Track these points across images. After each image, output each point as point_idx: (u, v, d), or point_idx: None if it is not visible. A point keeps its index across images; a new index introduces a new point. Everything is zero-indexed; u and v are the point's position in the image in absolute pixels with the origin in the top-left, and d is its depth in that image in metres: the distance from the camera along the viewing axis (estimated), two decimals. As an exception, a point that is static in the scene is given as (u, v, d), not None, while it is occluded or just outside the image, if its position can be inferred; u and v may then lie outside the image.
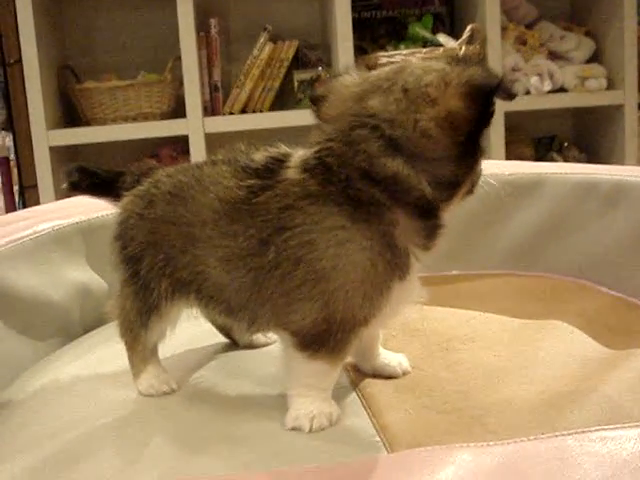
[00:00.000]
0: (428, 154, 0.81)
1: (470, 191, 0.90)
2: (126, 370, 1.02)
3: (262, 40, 2.96)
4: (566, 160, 3.08)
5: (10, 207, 3.35)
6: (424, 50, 2.82)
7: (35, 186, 2.96)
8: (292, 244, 0.82)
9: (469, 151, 0.85)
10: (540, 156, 3.18)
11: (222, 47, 3.04)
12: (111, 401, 0.96)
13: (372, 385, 0.95)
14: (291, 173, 0.86)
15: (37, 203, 2.93)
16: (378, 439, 0.82)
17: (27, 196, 3.07)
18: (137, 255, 0.97)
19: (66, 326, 1.20)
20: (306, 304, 0.83)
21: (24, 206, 3.04)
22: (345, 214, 0.81)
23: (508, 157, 2.93)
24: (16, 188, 3.34)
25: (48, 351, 1.15)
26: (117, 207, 1.01)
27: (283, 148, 0.92)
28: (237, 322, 0.94)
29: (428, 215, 0.84)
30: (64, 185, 1.07)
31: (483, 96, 0.82)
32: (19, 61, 2.88)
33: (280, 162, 0.89)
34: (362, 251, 0.81)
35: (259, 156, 0.91)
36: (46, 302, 1.13)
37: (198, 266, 0.91)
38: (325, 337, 0.84)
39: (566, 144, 3.20)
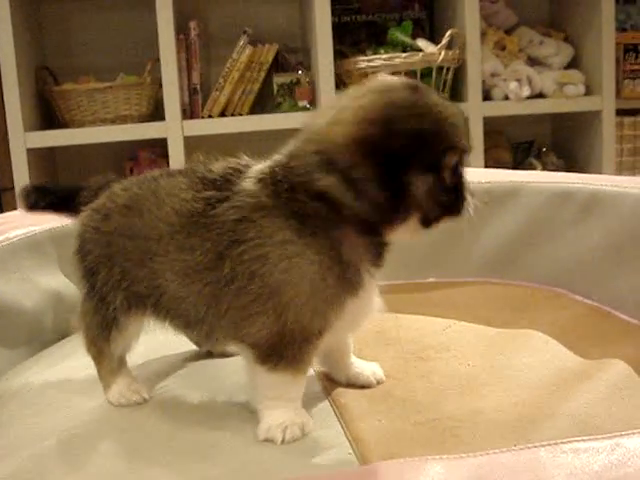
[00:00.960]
0: (355, 174, 0.80)
1: (452, 213, 0.89)
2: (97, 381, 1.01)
3: (242, 43, 2.95)
4: (544, 165, 3.09)
5: (-13, 209, 3.33)
6: (404, 55, 2.82)
7: (12, 189, 2.93)
8: (246, 258, 0.82)
9: (398, 182, 0.81)
10: (519, 161, 3.19)
11: (201, 50, 3.02)
12: (81, 411, 0.95)
13: (345, 395, 0.95)
14: (247, 184, 0.85)
15: (14, 206, 2.90)
16: (350, 451, 0.82)
17: (4, 199, 3.05)
18: (93, 269, 0.97)
19: (39, 333, 1.18)
20: (260, 317, 0.83)
21: (1, 209, 3.02)
22: (293, 228, 0.81)
23: (487, 162, 2.94)
24: (-7, 190, 3.32)
25: (20, 359, 1.14)
26: (75, 221, 1.00)
27: (244, 159, 0.92)
28: (196, 335, 0.94)
29: (372, 233, 0.84)
30: (21, 207, 1.06)
31: (398, 131, 0.80)
32: (-4, 63, 2.85)
33: (239, 173, 0.88)
34: (311, 265, 0.81)
35: (218, 167, 0.91)
36: (18, 309, 1.12)
37: (155, 280, 0.90)
38: (281, 349, 0.84)
39: (544, 149, 3.21)
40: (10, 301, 1.11)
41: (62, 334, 1.24)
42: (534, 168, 3.06)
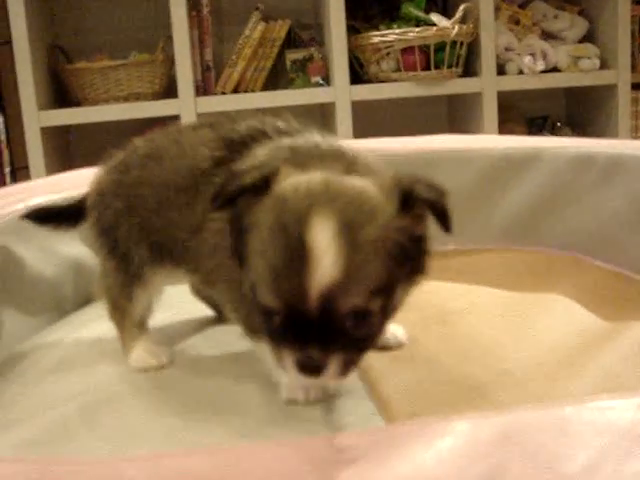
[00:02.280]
0: None
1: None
2: (117, 347, 1.02)
3: (254, 20, 2.94)
4: (559, 140, 3.08)
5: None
6: (417, 29, 2.80)
7: (26, 167, 2.94)
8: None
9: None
10: (533, 136, 3.17)
11: (214, 27, 3.01)
12: (107, 375, 0.96)
13: (369, 357, 0.94)
14: (260, 152, 0.84)
15: (28, 184, 2.91)
16: (374, 411, 0.82)
17: (18, 177, 3.05)
18: (113, 224, 0.97)
19: (59, 302, 1.19)
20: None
21: (15, 187, 3.02)
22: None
23: (501, 137, 2.92)
24: (7, 169, 3.32)
25: (40, 327, 1.14)
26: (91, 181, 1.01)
27: (285, 122, 0.91)
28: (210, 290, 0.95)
29: None
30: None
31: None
32: (9, 41, 2.85)
33: (263, 136, 0.87)
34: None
35: (244, 126, 0.90)
36: (39, 277, 1.12)
37: (171, 230, 0.90)
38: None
39: (559, 124, 3.19)
40: (31, 269, 1.11)
41: (81, 303, 1.24)
42: (549, 143, 3.04)
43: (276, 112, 2.48)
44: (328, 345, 0.71)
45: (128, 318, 0.99)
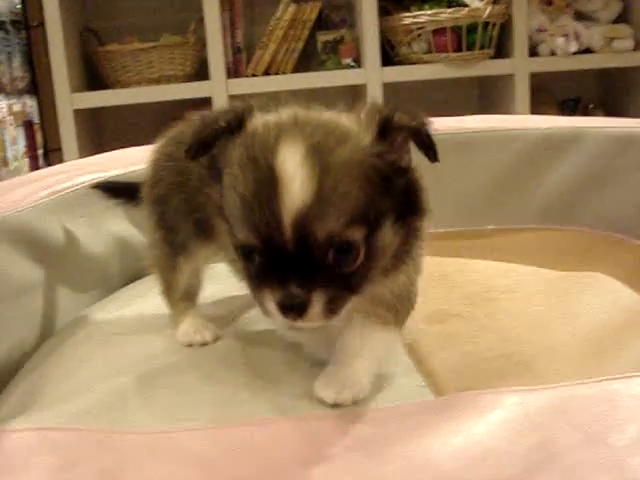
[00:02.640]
0: None
1: None
2: (165, 322, 1.04)
3: (285, 1, 2.94)
4: (592, 122, 3.05)
5: (34, 170, 3.37)
6: (449, 10, 2.79)
7: (59, 149, 2.97)
8: None
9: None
10: (566, 118, 3.15)
11: (245, 9, 3.02)
12: (158, 348, 0.98)
13: (415, 333, 0.96)
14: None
15: (62, 166, 2.95)
16: (423, 384, 0.83)
17: (51, 159, 3.08)
18: (164, 196, 0.98)
19: (105, 278, 1.21)
20: None
21: (49, 169, 3.06)
22: None
23: (533, 119, 2.91)
24: (40, 151, 3.36)
25: (88, 303, 1.17)
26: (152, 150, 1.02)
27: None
28: None
29: None
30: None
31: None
32: (42, 24, 2.87)
33: None
34: None
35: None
36: (86, 254, 1.15)
37: (208, 207, 0.90)
38: None
39: (591, 106, 3.16)
40: (79, 246, 1.13)
41: (127, 280, 1.26)
42: (581, 125, 3.02)
43: (307, 94, 2.49)
44: (309, 281, 0.68)
45: (175, 290, 1.01)
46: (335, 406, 0.78)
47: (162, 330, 1.04)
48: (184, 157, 0.76)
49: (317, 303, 0.68)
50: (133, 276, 1.27)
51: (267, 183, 0.67)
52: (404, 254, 0.78)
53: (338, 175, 0.67)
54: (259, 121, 0.73)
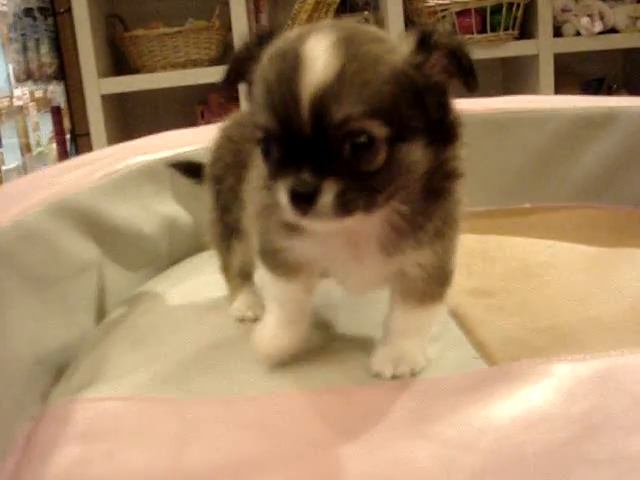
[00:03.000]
0: None
1: None
2: (217, 298, 1.08)
3: (309, -16, 2.95)
4: (616, 102, 3.06)
5: (62, 155, 3.41)
6: (472, -8, 2.80)
7: (87, 134, 3.00)
8: None
9: None
10: (589, 98, 3.16)
11: (269, -8, 3.04)
12: (211, 325, 1.02)
13: (463, 306, 0.99)
14: None
15: (89, 151, 2.98)
16: (476, 355, 0.86)
17: (80, 144, 3.12)
18: (221, 176, 1.02)
19: (155, 258, 1.25)
20: None
21: (77, 154, 3.10)
22: None
23: (557, 99, 2.92)
24: (68, 136, 3.40)
25: (140, 282, 1.20)
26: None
27: None
28: None
29: None
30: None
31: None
32: (69, 11, 2.90)
33: None
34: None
35: None
36: (138, 234, 1.18)
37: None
38: None
39: (615, 86, 3.16)
40: (131, 225, 1.17)
41: (174, 259, 1.30)
42: (605, 105, 3.02)
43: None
44: (322, 169, 0.66)
45: (230, 268, 1.05)
46: (394, 378, 0.81)
47: (213, 307, 1.07)
48: (221, 87, 0.78)
49: (328, 193, 0.65)
50: (180, 255, 1.30)
51: (291, 66, 0.66)
52: (437, 213, 0.77)
53: (364, 64, 0.66)
54: (291, 31, 0.72)
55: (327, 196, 0.65)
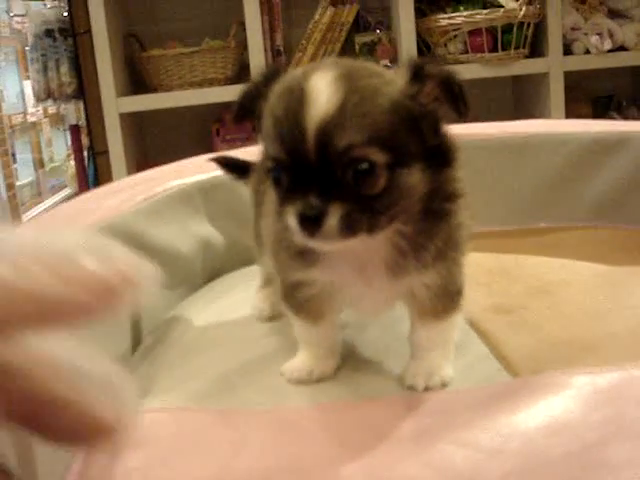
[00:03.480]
0: None
1: None
2: (250, 314, 1.14)
3: (323, 4, 3.03)
4: (625, 119, 3.12)
5: (81, 173, 3.49)
6: (484, 11, 2.87)
7: (106, 152, 3.07)
8: None
9: None
10: (598, 115, 3.21)
11: (283, 12, 3.10)
12: (245, 340, 1.08)
13: (485, 322, 1.05)
14: None
15: (108, 168, 3.05)
16: (500, 367, 0.92)
17: (98, 162, 3.18)
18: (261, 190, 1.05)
19: (190, 277, 1.31)
20: None
21: (96, 172, 3.16)
22: None
23: (567, 116, 2.97)
24: (85, 153, 3.47)
25: (177, 301, 1.26)
26: None
27: None
28: None
29: None
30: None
31: None
32: (88, 32, 2.97)
33: None
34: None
35: None
36: (175, 254, 1.24)
37: None
38: None
39: (625, 103, 3.22)
40: (169, 246, 1.23)
41: (207, 279, 1.36)
42: (614, 121, 3.09)
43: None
44: (328, 194, 0.71)
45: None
46: (426, 390, 0.87)
47: (249, 323, 1.14)
48: (232, 121, 0.86)
49: (333, 216, 0.71)
50: (213, 275, 1.37)
51: (297, 101, 0.72)
52: (438, 235, 0.82)
53: (364, 96, 0.72)
54: (298, 69, 0.79)
55: (333, 218, 0.71)
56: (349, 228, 0.72)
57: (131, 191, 1.22)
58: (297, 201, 0.72)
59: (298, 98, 0.72)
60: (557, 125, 1.56)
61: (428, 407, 0.83)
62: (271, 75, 0.81)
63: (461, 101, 0.76)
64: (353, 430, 0.79)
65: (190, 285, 1.31)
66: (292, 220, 0.73)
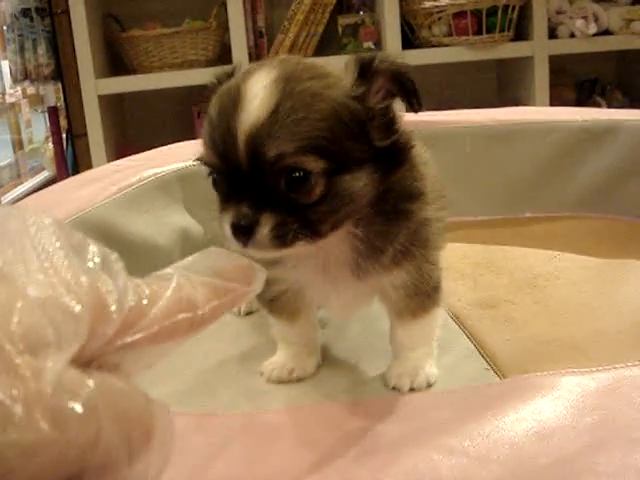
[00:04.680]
0: None
1: None
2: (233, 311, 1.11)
3: (305, -15, 2.98)
4: (609, 103, 3.10)
5: (59, 156, 3.43)
6: (469, -6, 2.83)
7: (85, 134, 3.02)
8: None
9: None
10: (582, 99, 3.20)
11: (265, -7, 3.06)
12: (223, 338, 1.04)
13: (470, 317, 1.02)
14: None
15: (87, 152, 3.00)
16: (487, 366, 0.90)
17: (77, 145, 3.13)
18: None
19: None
20: None
21: (74, 155, 3.11)
22: None
23: (551, 101, 2.95)
24: (63, 136, 3.41)
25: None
26: None
27: None
28: None
29: None
30: None
31: None
32: (66, 11, 2.91)
33: None
34: None
35: None
36: (153, 246, 1.20)
37: None
38: None
39: (609, 87, 3.21)
40: (146, 238, 1.19)
41: (186, 269, 1.32)
42: (599, 106, 3.07)
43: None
44: (260, 203, 0.69)
45: None
46: (412, 391, 0.85)
47: (227, 318, 1.10)
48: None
49: (265, 225, 0.69)
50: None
51: (231, 104, 0.69)
52: (399, 235, 0.78)
53: (300, 102, 0.69)
54: (246, 68, 0.75)
55: (264, 228, 0.69)
56: (282, 237, 0.70)
57: (106, 180, 1.18)
58: (230, 209, 0.70)
59: (233, 101, 0.69)
60: (544, 112, 1.53)
61: (412, 410, 0.80)
62: (225, 75, 0.78)
63: (414, 96, 0.73)
64: (333, 436, 0.76)
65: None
66: (226, 228, 0.71)
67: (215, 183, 0.74)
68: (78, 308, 0.40)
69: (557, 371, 0.85)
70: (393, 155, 0.74)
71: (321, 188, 0.70)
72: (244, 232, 0.69)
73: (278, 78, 0.70)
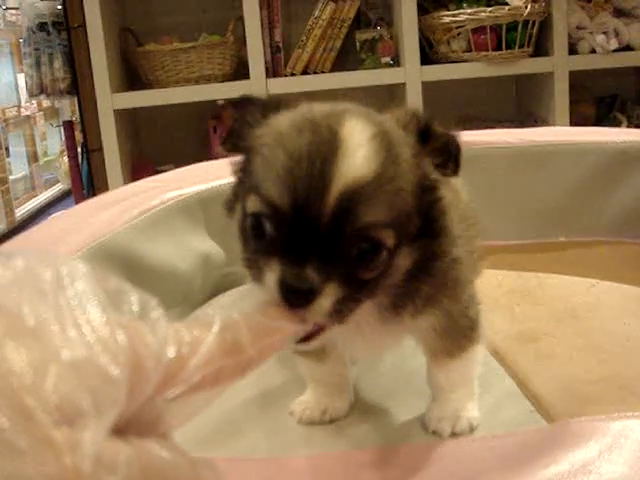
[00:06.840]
0: None
1: None
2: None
3: (323, 0, 2.94)
4: (629, 120, 3.05)
5: (74, 170, 3.40)
6: (489, 9, 2.79)
7: (100, 149, 2.99)
8: None
9: None
10: (602, 115, 3.15)
11: (283, 7, 3.02)
12: (267, 373, 0.99)
13: (510, 352, 0.97)
14: None
15: (102, 166, 2.97)
16: (532, 408, 0.84)
17: (92, 159, 3.09)
18: None
19: (189, 295, 1.22)
20: None
21: (89, 168, 3.08)
22: None
23: (571, 117, 2.90)
24: (79, 150, 3.38)
25: (175, 321, 1.18)
26: None
27: None
28: None
29: None
30: None
31: None
32: (82, 26, 2.89)
33: None
34: None
35: None
36: (173, 271, 1.16)
37: None
38: None
39: (629, 103, 3.16)
40: (166, 263, 1.15)
41: (207, 295, 1.28)
42: (619, 122, 3.02)
43: (346, 93, 2.49)
44: (329, 269, 0.58)
45: None
46: (453, 435, 0.80)
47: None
48: (222, 144, 0.70)
49: (328, 297, 0.58)
50: (212, 291, 1.28)
51: (326, 145, 0.58)
52: (424, 287, 0.70)
53: (400, 170, 0.61)
54: (300, 107, 0.66)
55: (327, 300, 0.58)
56: (340, 312, 0.60)
57: (125, 203, 1.14)
58: (285, 263, 0.58)
59: (328, 142, 0.59)
60: (578, 133, 1.48)
61: (454, 457, 0.75)
62: (273, 105, 0.68)
63: (457, 162, 0.67)
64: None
65: (189, 304, 1.22)
66: (271, 280, 0.58)
67: (258, 224, 0.62)
68: (116, 372, 0.38)
69: (609, 415, 0.80)
70: (434, 228, 0.67)
71: (385, 264, 0.62)
72: (300, 296, 0.57)
73: (378, 134, 0.61)
